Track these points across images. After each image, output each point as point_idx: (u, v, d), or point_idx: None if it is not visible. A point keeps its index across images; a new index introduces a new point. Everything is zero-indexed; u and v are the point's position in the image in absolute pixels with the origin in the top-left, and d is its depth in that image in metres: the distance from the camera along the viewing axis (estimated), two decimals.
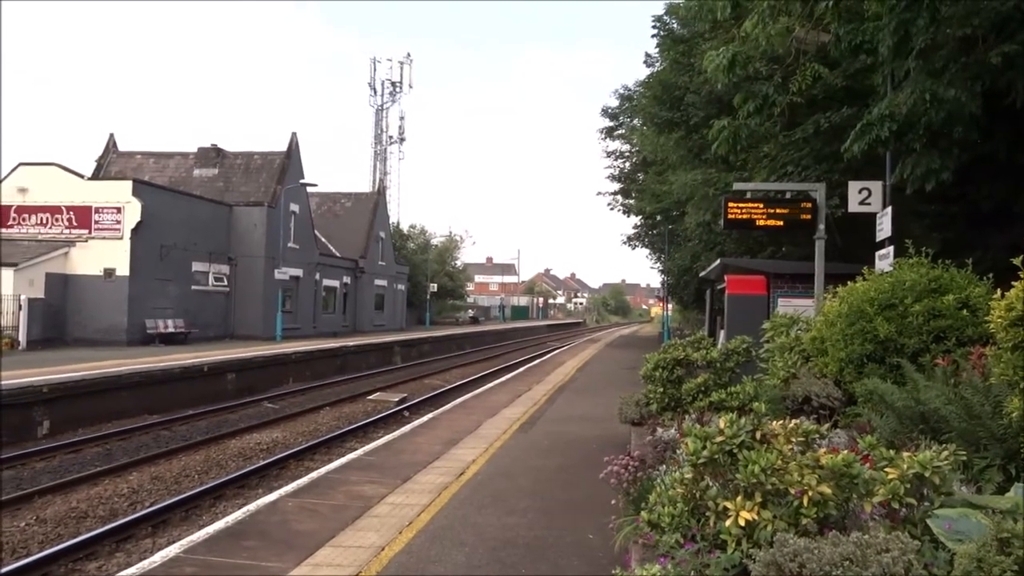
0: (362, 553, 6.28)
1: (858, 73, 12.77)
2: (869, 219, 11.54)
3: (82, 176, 32.46)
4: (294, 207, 40.13)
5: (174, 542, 7.37)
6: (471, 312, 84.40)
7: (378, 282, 53.48)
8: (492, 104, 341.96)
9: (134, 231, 30.33)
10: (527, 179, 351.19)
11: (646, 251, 47.86)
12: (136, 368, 20.13)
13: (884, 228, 10.87)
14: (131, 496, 11.37)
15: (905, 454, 3.82)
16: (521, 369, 27.36)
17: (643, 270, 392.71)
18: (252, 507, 7.87)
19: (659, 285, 54.67)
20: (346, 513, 7.51)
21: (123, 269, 30.14)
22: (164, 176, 39.66)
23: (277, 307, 36.86)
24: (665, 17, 24.99)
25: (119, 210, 30.37)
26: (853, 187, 11.65)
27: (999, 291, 4.21)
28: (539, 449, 11.03)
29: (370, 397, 22.99)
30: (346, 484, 8.76)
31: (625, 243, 46.58)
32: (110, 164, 40.20)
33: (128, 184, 31.06)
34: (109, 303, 29.69)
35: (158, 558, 6.30)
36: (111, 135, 41.41)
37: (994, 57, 8.40)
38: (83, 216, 30.56)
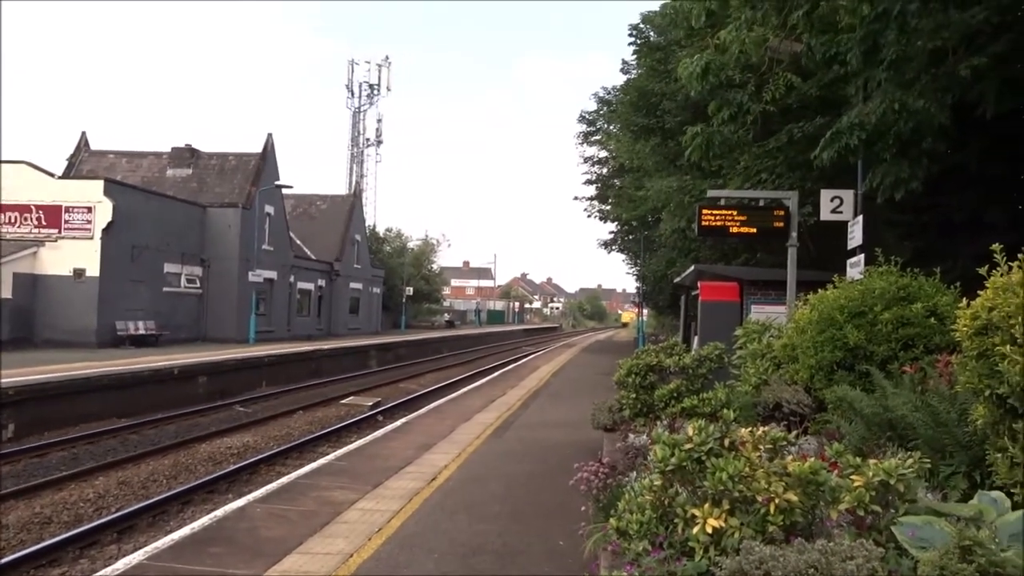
0: (330, 560, 6.21)
1: (832, 83, 12.88)
2: (841, 227, 11.64)
3: (52, 175, 32.00)
4: (269, 209, 39.83)
5: (139, 548, 7.27)
6: (447, 316, 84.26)
7: (353, 285, 53.21)
8: (469, 108, 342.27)
9: (105, 231, 29.95)
10: (504, 183, 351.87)
11: (623, 256, 48.11)
12: (105, 371, 19.85)
13: (855, 236, 10.96)
14: (97, 501, 11.19)
15: (871, 461, 3.83)
16: (496, 374, 27.33)
17: (619, 275, 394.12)
18: (220, 513, 7.77)
19: (635, 291, 54.93)
20: (316, 519, 7.43)
21: (93, 270, 29.74)
22: (137, 176, 39.21)
23: (251, 310, 36.54)
24: (641, 25, 25.17)
25: (90, 210, 29.97)
26: (825, 195, 11.75)
27: (966, 300, 4.24)
28: (512, 454, 11.01)
29: (344, 401, 22.85)
30: (317, 489, 8.68)
31: (601, 246, 46.78)
32: (82, 163, 39.69)
33: (99, 183, 30.67)
34: (79, 304, 29.27)
35: (121, 565, 6.20)
36: (83, 133, 40.95)
37: (963, 69, 8.51)
38: (53, 215, 30.12)
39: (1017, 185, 13.90)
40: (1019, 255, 4.00)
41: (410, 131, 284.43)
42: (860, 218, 10.96)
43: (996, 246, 4.14)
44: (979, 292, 4.10)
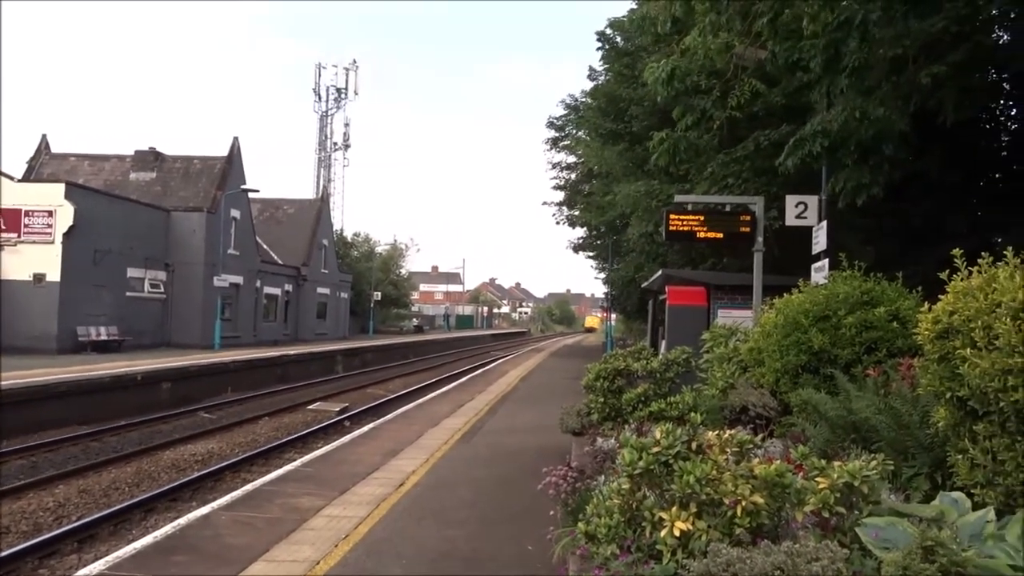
0: (297, 567, 6.14)
1: (797, 91, 13.08)
2: (806, 232, 11.78)
3: (12, 178, 31.31)
4: (235, 213, 39.43)
5: (100, 558, 7.11)
6: (415, 321, 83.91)
7: (321, 290, 52.83)
8: (438, 113, 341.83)
9: (66, 235, 29.44)
10: (473, 188, 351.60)
11: (592, 261, 48.29)
12: (65, 377, 19.49)
13: (820, 241, 11.10)
14: (57, 510, 10.97)
15: (836, 464, 3.88)
16: (464, 379, 27.27)
17: (588, 280, 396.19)
18: (184, 521, 7.65)
19: (604, 295, 55.21)
20: (282, 526, 7.35)
21: (54, 274, 29.21)
22: (99, 179, 38.58)
23: (216, 315, 36.12)
24: (608, 31, 25.34)
25: (51, 213, 29.44)
26: (790, 201, 11.89)
27: (927, 304, 4.31)
28: (480, 459, 10.98)
29: (310, 407, 22.64)
30: (283, 496, 8.59)
31: (569, 247, 46.95)
32: (42, 166, 38.97)
33: (61, 187, 30.14)
34: (39, 310, 28.72)
35: (81, 575, 6.07)
36: (44, 136, 40.27)
37: (923, 77, 8.68)
38: (12, 219, 29.51)
39: (976, 192, 14.21)
40: (979, 260, 4.08)
41: (378, 135, 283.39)
42: (824, 223, 11.11)
43: (956, 251, 4.21)
44: (940, 296, 4.17)
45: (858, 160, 9.89)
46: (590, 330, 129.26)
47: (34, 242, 29.33)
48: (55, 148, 40.41)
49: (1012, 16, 9.96)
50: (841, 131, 9.08)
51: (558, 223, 45.63)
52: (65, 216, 29.44)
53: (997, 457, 3.71)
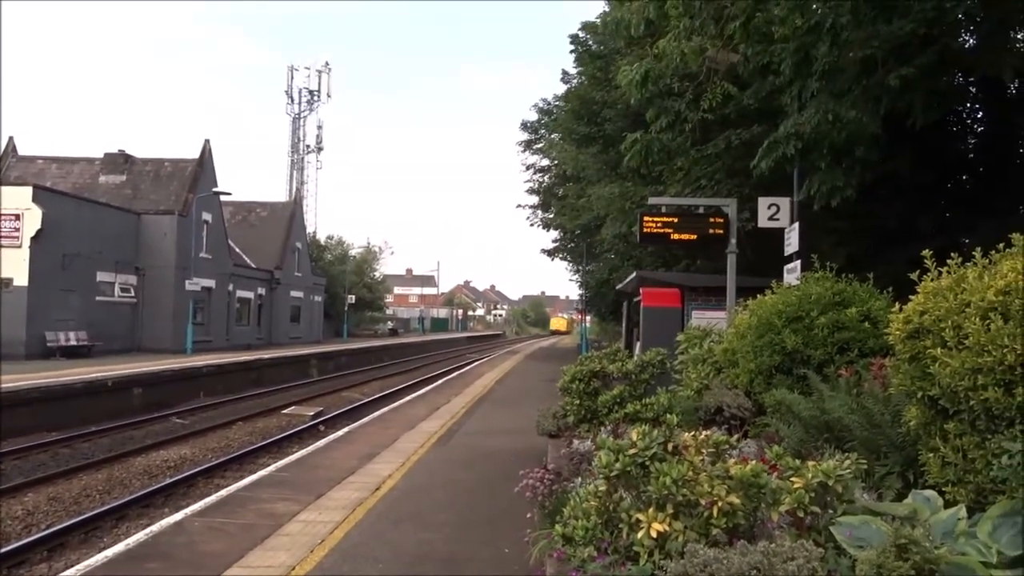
0: (272, 573, 6.08)
1: (769, 95, 13.20)
2: (779, 234, 11.89)
3: None
4: (207, 216, 39.05)
5: (71, 566, 7.00)
6: (390, 324, 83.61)
7: (294, 293, 52.48)
8: (411, 116, 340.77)
9: (34, 239, 29.01)
10: (447, 190, 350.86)
11: (566, 263, 48.33)
12: (34, 383, 19.18)
13: (792, 243, 11.21)
14: (26, 518, 10.79)
15: (810, 463, 3.91)
16: (440, 381, 27.20)
17: (563, 282, 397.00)
18: (156, 528, 7.56)
19: (578, 297, 55.32)
20: (256, 532, 7.27)
21: (21, 279, 28.76)
22: (68, 182, 38.03)
23: (188, 319, 35.75)
24: (580, 34, 25.41)
25: (18, 217, 29.00)
26: (762, 203, 11.99)
27: (898, 304, 4.36)
28: (457, 462, 10.96)
29: (285, 411, 22.47)
30: (257, 502, 8.51)
31: (543, 253, 46.93)
32: (9, 169, 38.33)
33: (28, 190, 29.73)
34: (6, 315, 28.23)
35: None
36: (10, 138, 39.64)
37: (893, 80, 8.79)
38: None
39: (945, 193, 14.43)
40: (948, 260, 4.14)
41: (351, 138, 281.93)
42: (796, 225, 11.22)
43: (926, 252, 4.27)
44: (911, 296, 4.22)
45: (832, 162, 10.00)
46: (556, 332, 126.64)
47: (1, 246, 28.85)
48: (22, 151, 39.80)
49: (977, 19, 10.13)
50: (814, 133, 9.18)
51: (532, 225, 45.68)
52: (33, 220, 29.01)
53: (968, 455, 3.76)
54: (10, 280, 28.66)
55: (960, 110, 14.04)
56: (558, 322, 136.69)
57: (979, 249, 4.04)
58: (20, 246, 28.91)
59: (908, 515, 3.45)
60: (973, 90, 13.45)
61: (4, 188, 31.14)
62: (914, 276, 4.29)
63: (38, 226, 29.03)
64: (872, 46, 8.86)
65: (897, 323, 4.19)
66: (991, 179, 13.64)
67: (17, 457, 15.10)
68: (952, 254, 4.17)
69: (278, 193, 78.32)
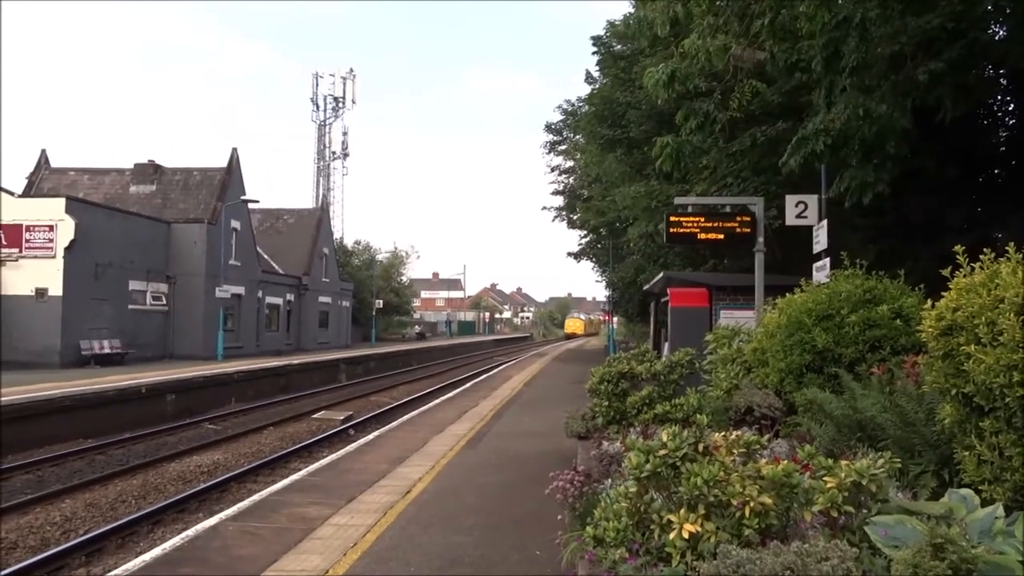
0: None
1: (793, 90, 13.10)
2: (806, 231, 11.79)
3: (12, 193, 31.40)
4: (235, 224, 39.45)
5: (109, 571, 7.12)
6: (417, 328, 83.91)
7: (322, 299, 52.83)
8: (437, 119, 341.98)
9: (67, 249, 29.47)
10: (473, 194, 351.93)
11: (591, 264, 48.27)
12: (69, 391, 19.49)
13: (820, 240, 11.11)
14: (64, 524, 10.97)
15: (843, 463, 3.88)
16: (468, 385, 27.25)
17: (589, 284, 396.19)
18: (191, 532, 7.66)
19: (604, 299, 55.15)
20: (289, 536, 7.34)
21: (56, 289, 29.24)
22: (99, 193, 38.63)
23: (218, 326, 36.13)
24: (604, 36, 25.35)
25: (51, 228, 29.49)
26: (790, 201, 11.91)
27: (930, 301, 4.31)
28: (486, 465, 10.97)
29: (315, 416, 22.64)
30: (289, 506, 8.59)
31: (570, 256, 46.98)
32: (42, 181, 39.01)
33: (61, 201, 30.19)
34: (41, 324, 28.74)
35: None
36: (43, 151, 40.26)
37: (921, 75, 8.69)
38: (13, 234, 29.56)
39: (975, 187, 14.23)
40: (980, 256, 4.08)
41: (377, 143, 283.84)
42: (824, 222, 11.12)
43: (958, 247, 4.22)
44: (942, 293, 4.17)
45: (862, 158, 9.88)
46: (572, 335, 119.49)
47: (35, 257, 29.38)
48: (54, 163, 40.46)
49: (1007, 11, 9.98)
50: (844, 129, 9.09)
51: (554, 219, 45.75)
52: (66, 230, 29.49)
53: (1004, 453, 3.71)
54: (45, 290, 29.16)
55: (990, 103, 13.83)
56: (573, 324, 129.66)
57: (1012, 244, 3.98)
58: (54, 256, 29.38)
59: (944, 514, 3.41)
60: (1003, 82, 13.25)
61: (38, 200, 31.74)
62: (946, 272, 4.24)
63: (71, 237, 29.50)
64: (900, 41, 8.77)
65: (929, 320, 4.15)
66: (1023, 172, 13.42)
67: (54, 464, 15.36)
68: (985, 249, 4.12)
69: (305, 200, 78.89)
